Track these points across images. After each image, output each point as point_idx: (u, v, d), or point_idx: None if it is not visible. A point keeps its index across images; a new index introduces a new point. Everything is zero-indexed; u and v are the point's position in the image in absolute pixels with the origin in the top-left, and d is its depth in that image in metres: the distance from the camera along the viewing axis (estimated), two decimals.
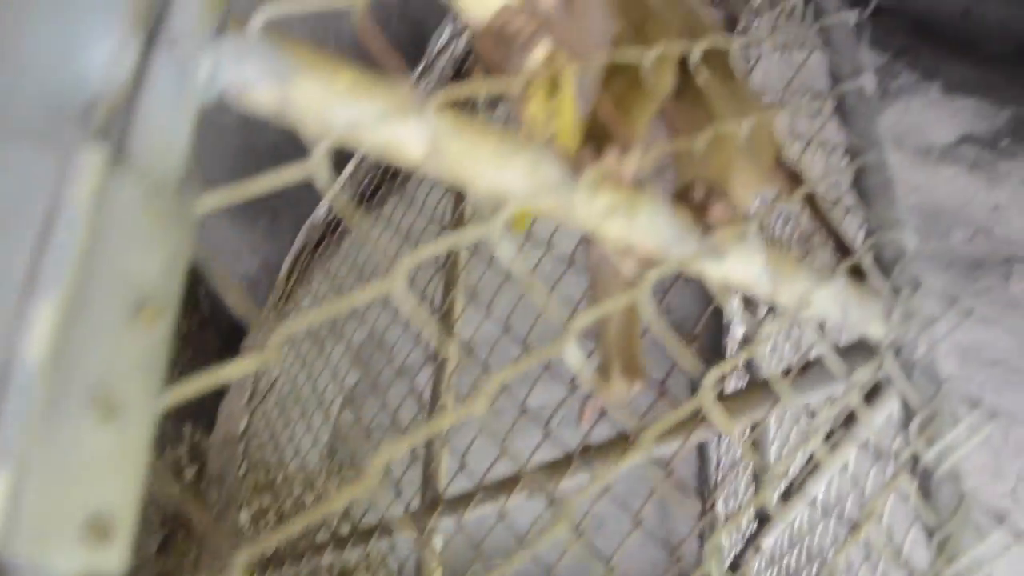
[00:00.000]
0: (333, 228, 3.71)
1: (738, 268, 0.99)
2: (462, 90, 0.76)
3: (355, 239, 3.42)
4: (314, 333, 3.68)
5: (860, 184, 1.33)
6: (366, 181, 3.61)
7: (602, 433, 1.81)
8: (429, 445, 2.53)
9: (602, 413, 1.81)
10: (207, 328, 5.00)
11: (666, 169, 1.43)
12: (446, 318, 2.68)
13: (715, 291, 0.96)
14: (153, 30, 0.65)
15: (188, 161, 0.65)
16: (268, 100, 0.70)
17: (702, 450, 4.11)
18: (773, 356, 3.02)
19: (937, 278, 3.19)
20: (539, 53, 1.32)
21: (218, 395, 4.50)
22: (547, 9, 1.31)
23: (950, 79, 2.64)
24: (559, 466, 1.91)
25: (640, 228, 0.90)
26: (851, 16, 1.44)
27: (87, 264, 0.57)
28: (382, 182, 3.43)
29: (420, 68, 3.38)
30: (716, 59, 1.24)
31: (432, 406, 2.67)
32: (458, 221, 2.70)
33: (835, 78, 1.42)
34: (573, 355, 0.77)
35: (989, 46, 2.78)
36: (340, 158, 3.60)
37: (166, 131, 0.64)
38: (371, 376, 3.53)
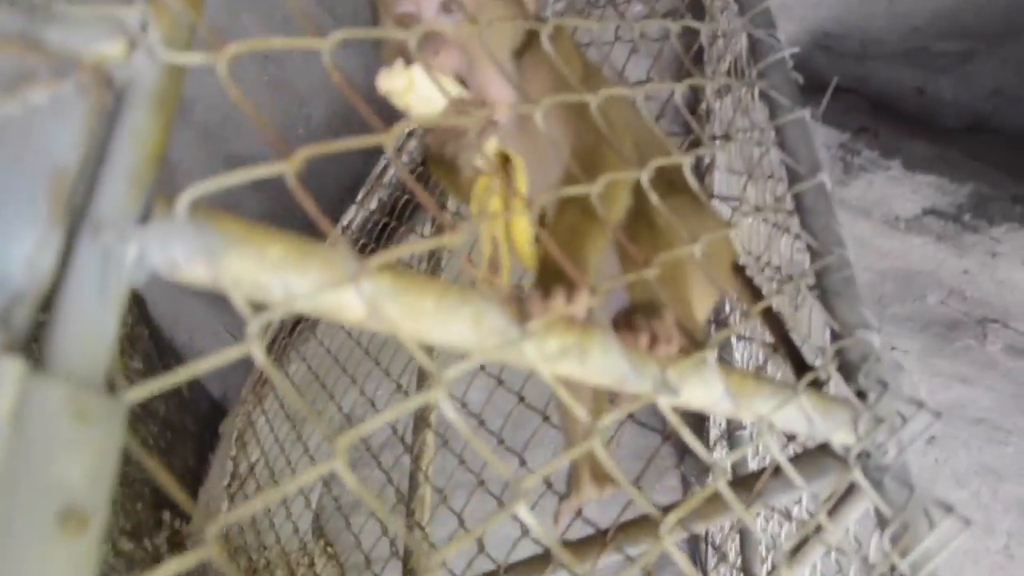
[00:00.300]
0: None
1: (696, 395, 0.98)
2: (398, 251, 0.75)
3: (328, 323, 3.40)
4: (292, 416, 3.64)
5: (822, 283, 1.33)
6: None
7: (580, 529, 1.79)
8: (410, 536, 2.50)
9: (577, 514, 1.79)
10: (186, 410, 4.94)
11: (612, 291, 1.43)
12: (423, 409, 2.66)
13: (669, 419, 0.94)
14: (76, 218, 0.64)
15: (114, 353, 0.63)
16: (199, 276, 0.69)
17: None
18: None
19: (914, 339, 3.20)
20: (489, 148, 1.31)
21: (197, 480, 4.44)
22: (500, 123, 1.32)
23: (910, 156, 2.67)
24: (537, 563, 1.88)
25: (592, 367, 0.89)
26: (804, 113, 1.45)
27: (7, 476, 0.55)
28: (376, 245, 3.43)
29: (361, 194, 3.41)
30: (669, 174, 1.24)
31: (411, 495, 2.64)
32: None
33: (792, 176, 1.42)
34: (526, 515, 0.76)
35: (944, 122, 2.84)
36: None
37: (91, 325, 0.62)
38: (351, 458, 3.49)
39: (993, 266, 2.70)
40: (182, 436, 4.75)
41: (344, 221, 3.49)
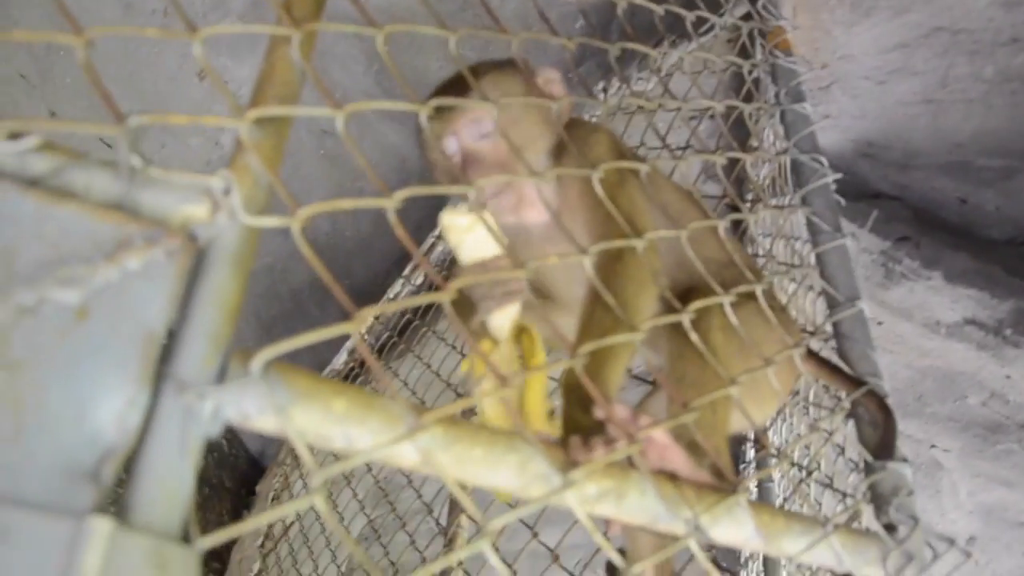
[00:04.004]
0: (353, 377, 3.76)
1: (728, 533, 1.01)
2: (454, 407, 0.80)
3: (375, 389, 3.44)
4: (328, 481, 3.68)
5: (857, 412, 1.36)
6: (384, 336, 3.67)
7: None
8: None
9: None
10: (224, 466, 5.00)
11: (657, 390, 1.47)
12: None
13: (700, 561, 0.97)
14: (159, 379, 0.70)
15: (190, 505, 0.68)
16: (269, 427, 0.75)
17: None
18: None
19: (955, 439, 3.17)
20: (508, 313, 1.37)
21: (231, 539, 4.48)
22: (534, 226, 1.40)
23: (951, 269, 2.70)
24: None
25: (629, 508, 0.93)
26: (845, 240, 1.49)
27: None
28: (399, 338, 3.50)
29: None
30: (731, 278, 1.28)
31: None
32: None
33: (831, 303, 1.46)
34: None
35: (986, 232, 2.86)
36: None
37: (171, 479, 0.68)
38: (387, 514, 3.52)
39: None
40: (219, 492, 4.79)
41: (391, 294, 3.57)
